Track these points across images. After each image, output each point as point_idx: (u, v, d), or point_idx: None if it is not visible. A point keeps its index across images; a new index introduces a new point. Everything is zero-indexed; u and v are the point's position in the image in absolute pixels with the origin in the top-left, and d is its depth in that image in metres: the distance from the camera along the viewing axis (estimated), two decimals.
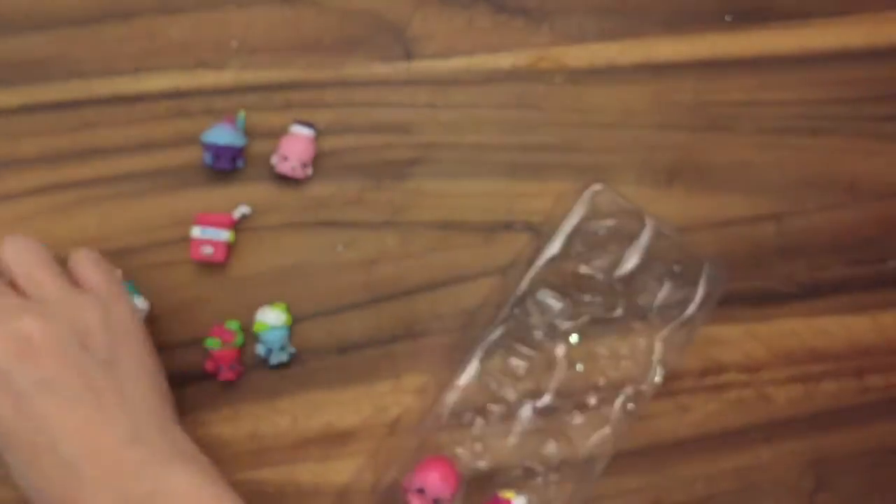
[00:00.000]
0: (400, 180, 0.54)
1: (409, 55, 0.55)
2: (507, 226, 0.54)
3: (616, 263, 0.52)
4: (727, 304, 0.53)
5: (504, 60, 0.55)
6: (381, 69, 0.55)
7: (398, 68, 0.55)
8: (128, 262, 0.51)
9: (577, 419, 0.50)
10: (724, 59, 0.56)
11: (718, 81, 0.56)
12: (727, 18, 0.57)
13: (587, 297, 0.51)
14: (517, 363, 0.51)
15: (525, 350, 0.51)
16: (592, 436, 0.50)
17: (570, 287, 0.52)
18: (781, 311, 0.54)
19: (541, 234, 0.53)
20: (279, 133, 0.53)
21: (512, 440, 0.50)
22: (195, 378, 0.51)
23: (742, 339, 0.54)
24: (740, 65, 0.56)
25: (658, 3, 0.57)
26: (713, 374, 0.53)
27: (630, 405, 0.51)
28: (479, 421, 0.50)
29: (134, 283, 0.51)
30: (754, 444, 0.53)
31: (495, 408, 0.50)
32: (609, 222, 0.52)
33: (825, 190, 0.56)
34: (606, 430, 0.50)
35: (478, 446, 0.50)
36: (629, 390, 0.51)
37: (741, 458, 0.53)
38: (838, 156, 0.56)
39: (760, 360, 0.54)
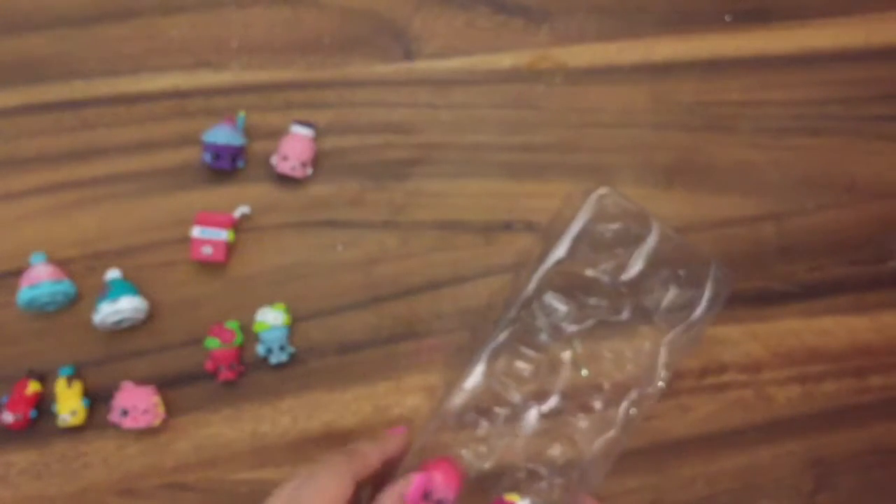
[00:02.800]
0: (400, 180, 0.54)
1: (409, 55, 0.55)
2: (507, 226, 0.54)
3: (622, 267, 0.51)
4: (727, 304, 0.53)
5: (504, 60, 0.55)
6: (381, 69, 0.55)
7: (398, 68, 0.55)
8: (128, 262, 0.51)
9: (582, 422, 0.50)
10: (724, 59, 0.56)
11: (718, 81, 0.56)
12: (727, 18, 0.57)
13: (593, 301, 0.51)
14: (522, 366, 0.51)
15: (530, 353, 0.51)
16: (597, 439, 0.50)
17: (575, 290, 0.51)
18: (781, 311, 0.54)
19: (547, 236, 0.53)
20: (279, 133, 0.53)
21: (516, 442, 0.50)
22: (195, 378, 0.51)
23: (742, 339, 0.54)
24: (740, 65, 0.56)
25: (658, 3, 0.57)
26: (713, 374, 0.53)
27: (635, 409, 0.50)
28: (483, 423, 0.50)
29: (134, 283, 0.51)
30: (754, 444, 0.53)
31: (500, 410, 0.50)
32: (615, 225, 0.52)
33: (825, 190, 0.56)
34: (611, 433, 0.50)
35: (482, 448, 0.50)
36: (634, 394, 0.51)
37: (741, 458, 0.53)
38: (838, 156, 0.56)
39: (760, 360, 0.54)
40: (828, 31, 0.57)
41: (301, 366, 0.52)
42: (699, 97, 0.56)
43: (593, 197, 0.52)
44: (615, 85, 0.56)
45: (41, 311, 0.51)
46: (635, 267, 0.51)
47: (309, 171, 0.53)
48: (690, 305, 0.51)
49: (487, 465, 0.49)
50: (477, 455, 0.49)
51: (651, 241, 0.51)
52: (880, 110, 0.57)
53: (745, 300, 0.54)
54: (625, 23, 0.56)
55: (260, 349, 0.51)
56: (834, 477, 0.53)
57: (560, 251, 0.51)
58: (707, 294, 0.51)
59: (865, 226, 0.55)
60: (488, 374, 0.50)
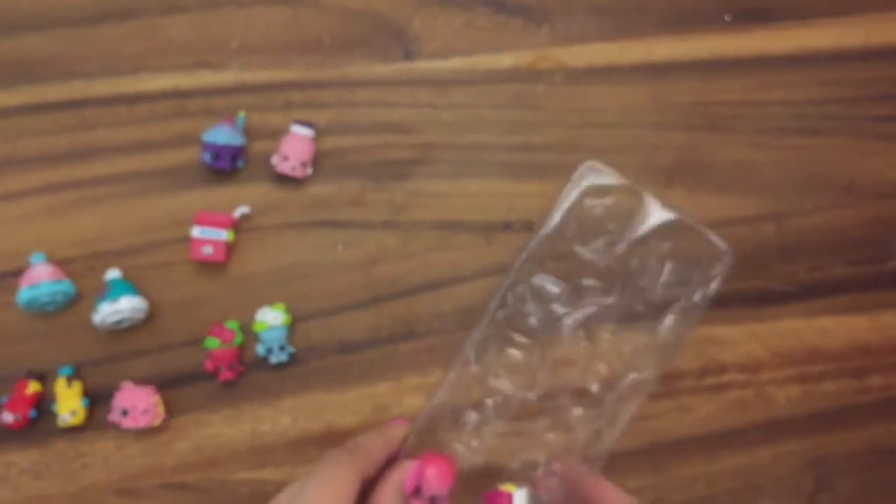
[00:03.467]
0: (400, 180, 0.54)
1: (409, 55, 0.55)
2: (507, 226, 0.54)
3: (614, 244, 0.49)
4: (727, 304, 0.53)
5: (504, 60, 0.55)
6: (381, 69, 0.55)
7: (398, 68, 0.55)
8: (128, 262, 0.51)
9: (577, 409, 0.49)
10: (724, 59, 0.56)
11: (718, 81, 0.56)
12: (727, 18, 0.57)
13: (585, 281, 0.49)
14: (513, 353, 0.49)
15: (521, 339, 0.49)
16: (593, 425, 0.49)
17: (566, 270, 0.49)
18: (781, 311, 0.54)
19: (540, 223, 0.51)
20: (279, 133, 0.53)
21: (510, 432, 0.49)
22: (195, 378, 0.51)
23: (742, 339, 0.54)
24: (740, 65, 0.56)
25: (658, 3, 0.57)
26: (713, 374, 0.53)
27: (632, 393, 0.49)
28: (474, 415, 0.49)
29: (134, 283, 0.51)
30: (754, 444, 0.53)
31: (492, 401, 0.49)
32: (605, 201, 0.49)
33: (825, 190, 0.56)
34: (608, 418, 0.48)
35: (474, 441, 0.49)
36: (631, 377, 0.49)
37: (741, 458, 0.53)
38: (838, 156, 0.56)
39: (760, 360, 0.54)
40: (828, 31, 0.57)
41: (301, 366, 0.52)
42: (699, 97, 0.56)
43: (581, 171, 0.49)
44: (615, 85, 0.56)
45: (41, 311, 0.51)
46: (628, 244, 0.49)
47: (309, 171, 0.53)
48: (687, 283, 0.49)
49: (481, 457, 0.49)
50: (470, 448, 0.49)
51: (644, 217, 0.49)
52: (880, 110, 0.57)
53: (745, 300, 0.54)
54: (625, 23, 0.56)
55: (260, 349, 0.51)
56: (834, 477, 0.53)
57: (548, 228, 0.49)
58: (705, 270, 0.49)
59: (865, 226, 0.55)
60: (478, 364, 0.49)
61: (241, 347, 0.51)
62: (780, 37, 0.57)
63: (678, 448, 0.53)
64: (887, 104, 0.57)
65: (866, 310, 0.55)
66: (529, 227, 0.54)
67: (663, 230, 0.49)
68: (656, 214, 0.49)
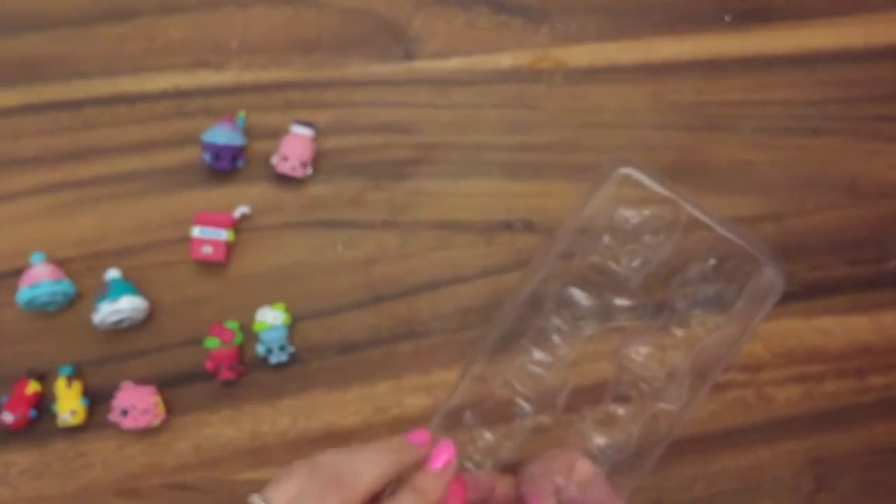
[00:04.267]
0: (400, 180, 0.54)
1: (409, 55, 0.55)
2: (507, 226, 0.54)
3: (649, 259, 0.44)
4: None
5: (504, 60, 0.55)
6: (381, 69, 0.55)
7: (398, 68, 0.55)
8: (128, 262, 0.51)
9: (599, 438, 0.45)
10: (724, 59, 0.56)
11: (718, 81, 0.56)
12: (727, 18, 0.57)
13: (614, 297, 0.45)
14: (533, 370, 0.45)
15: (542, 356, 0.45)
16: (615, 458, 0.44)
17: (595, 285, 0.45)
18: (781, 311, 0.54)
19: (566, 227, 0.45)
20: (279, 133, 0.53)
21: (521, 446, 0.44)
22: (195, 378, 0.51)
23: None
24: (740, 65, 0.56)
25: (658, 3, 0.57)
26: None
27: (658, 426, 0.44)
28: (487, 433, 0.45)
29: (134, 283, 0.51)
30: (754, 444, 0.53)
31: (505, 415, 0.45)
32: (640, 211, 0.44)
33: (825, 190, 0.56)
34: (630, 453, 0.44)
35: (488, 459, 0.45)
36: (658, 408, 0.44)
37: (741, 458, 0.53)
38: (838, 156, 0.56)
39: (760, 360, 0.54)
40: (828, 31, 0.57)
41: (301, 366, 0.52)
42: (699, 97, 0.56)
43: (614, 177, 0.42)
44: (615, 85, 0.56)
45: (41, 311, 0.51)
46: (663, 257, 0.44)
47: (309, 171, 0.53)
48: (729, 309, 0.43)
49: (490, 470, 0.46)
50: (481, 466, 0.45)
51: (685, 232, 0.43)
52: (880, 110, 0.57)
53: None
54: (625, 23, 0.56)
55: (260, 349, 0.51)
56: (834, 477, 0.53)
57: (575, 241, 0.43)
58: (750, 292, 0.43)
59: (865, 226, 0.55)
60: (492, 374, 0.45)
61: (241, 347, 0.51)
62: (780, 37, 0.57)
63: (678, 448, 0.52)
64: (887, 104, 0.57)
65: (866, 310, 0.55)
66: (529, 227, 0.54)
67: (707, 247, 0.44)
68: (700, 230, 0.42)
